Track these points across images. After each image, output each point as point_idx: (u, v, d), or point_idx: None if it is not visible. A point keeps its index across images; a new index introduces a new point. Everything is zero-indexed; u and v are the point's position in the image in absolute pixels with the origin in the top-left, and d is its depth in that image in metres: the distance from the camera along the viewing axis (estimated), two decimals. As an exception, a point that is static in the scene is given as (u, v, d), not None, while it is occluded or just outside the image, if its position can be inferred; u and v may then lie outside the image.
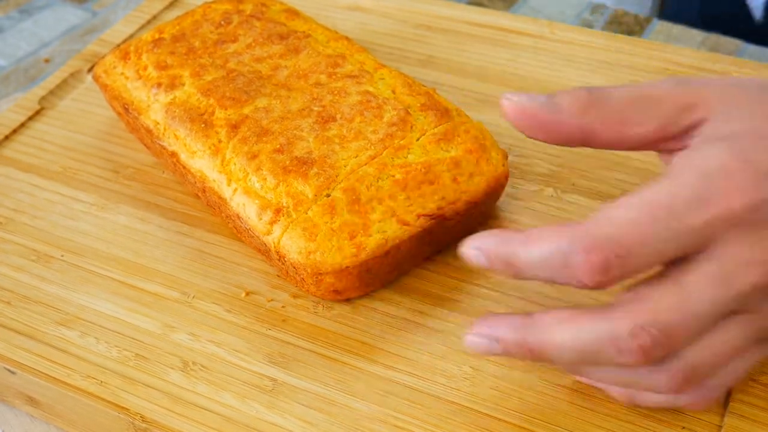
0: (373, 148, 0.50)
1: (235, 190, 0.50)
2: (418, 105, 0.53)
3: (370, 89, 0.54)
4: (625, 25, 0.84)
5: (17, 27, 0.88)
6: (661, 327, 0.35)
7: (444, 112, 0.53)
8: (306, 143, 0.51)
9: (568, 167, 0.60)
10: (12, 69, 0.81)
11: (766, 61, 0.73)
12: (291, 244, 0.48)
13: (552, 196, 0.58)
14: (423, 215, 0.49)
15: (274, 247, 0.49)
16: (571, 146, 0.40)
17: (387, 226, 0.48)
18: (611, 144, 0.40)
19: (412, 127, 0.51)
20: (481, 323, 0.39)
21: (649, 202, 0.35)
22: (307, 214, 0.48)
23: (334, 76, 0.55)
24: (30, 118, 0.67)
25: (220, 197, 0.52)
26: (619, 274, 0.35)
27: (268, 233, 0.49)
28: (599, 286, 0.35)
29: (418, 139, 0.51)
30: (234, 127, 0.52)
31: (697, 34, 0.81)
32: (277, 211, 0.48)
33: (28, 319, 0.51)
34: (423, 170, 0.49)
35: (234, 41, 0.59)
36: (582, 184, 0.59)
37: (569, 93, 0.40)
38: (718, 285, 0.35)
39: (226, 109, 0.54)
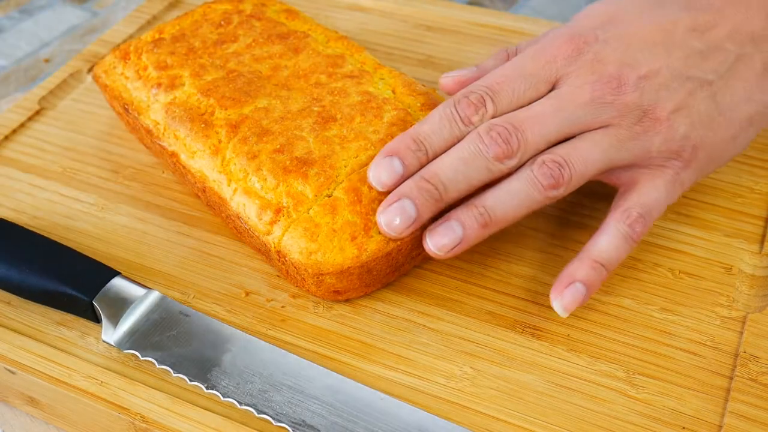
0: (373, 148, 0.50)
1: (235, 190, 0.50)
2: (418, 105, 0.53)
3: (370, 89, 0.54)
4: (625, 25, 0.84)
5: (17, 27, 0.88)
6: (511, 122, 0.46)
7: None
8: (306, 143, 0.51)
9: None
10: (12, 69, 0.81)
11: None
12: (292, 243, 0.48)
13: (552, 196, 0.58)
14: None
15: (275, 247, 0.49)
16: None
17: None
18: None
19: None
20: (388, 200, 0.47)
21: (510, 64, 0.49)
22: (308, 213, 0.48)
23: (334, 76, 0.55)
24: (30, 119, 0.67)
25: (220, 197, 0.52)
26: (493, 108, 0.47)
27: (269, 233, 0.49)
28: (481, 118, 0.47)
29: None
30: (234, 127, 0.52)
31: (697, 34, 0.81)
32: (277, 211, 0.48)
33: (28, 320, 0.51)
34: None
35: (234, 41, 0.59)
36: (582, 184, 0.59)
37: (493, 56, 0.55)
38: (559, 102, 0.46)
39: (226, 109, 0.54)
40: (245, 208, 0.50)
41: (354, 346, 0.49)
